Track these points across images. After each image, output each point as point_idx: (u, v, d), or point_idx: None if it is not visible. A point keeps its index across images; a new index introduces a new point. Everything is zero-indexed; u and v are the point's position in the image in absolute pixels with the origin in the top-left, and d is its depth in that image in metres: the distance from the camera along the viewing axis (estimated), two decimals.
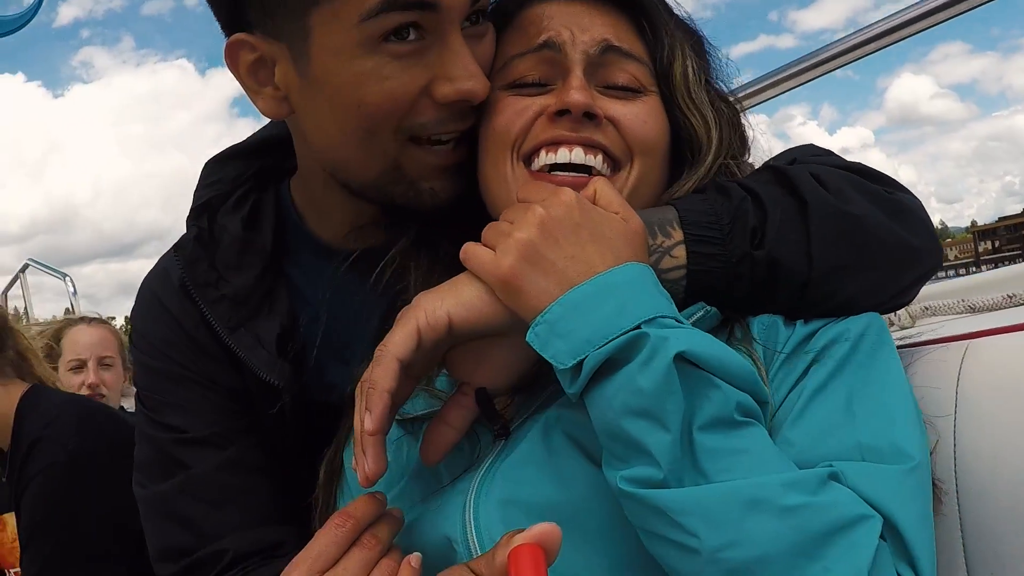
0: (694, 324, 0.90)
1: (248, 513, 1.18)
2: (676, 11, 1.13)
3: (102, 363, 3.27)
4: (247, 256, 1.24)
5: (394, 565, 0.85)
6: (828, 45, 2.17)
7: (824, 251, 0.92)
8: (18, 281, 5.60)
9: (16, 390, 2.21)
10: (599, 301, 0.81)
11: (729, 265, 0.92)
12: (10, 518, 2.20)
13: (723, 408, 0.78)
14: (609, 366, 0.79)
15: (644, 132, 1.03)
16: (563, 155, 1.00)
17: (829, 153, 1.11)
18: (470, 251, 0.90)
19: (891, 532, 0.78)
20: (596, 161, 1.01)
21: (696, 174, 1.04)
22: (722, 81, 1.14)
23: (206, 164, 1.34)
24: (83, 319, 3.45)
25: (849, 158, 1.06)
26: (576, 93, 0.99)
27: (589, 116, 1.00)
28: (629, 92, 1.04)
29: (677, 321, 0.82)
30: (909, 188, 1.04)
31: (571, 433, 0.90)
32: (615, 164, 1.02)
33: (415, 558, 0.86)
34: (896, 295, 0.99)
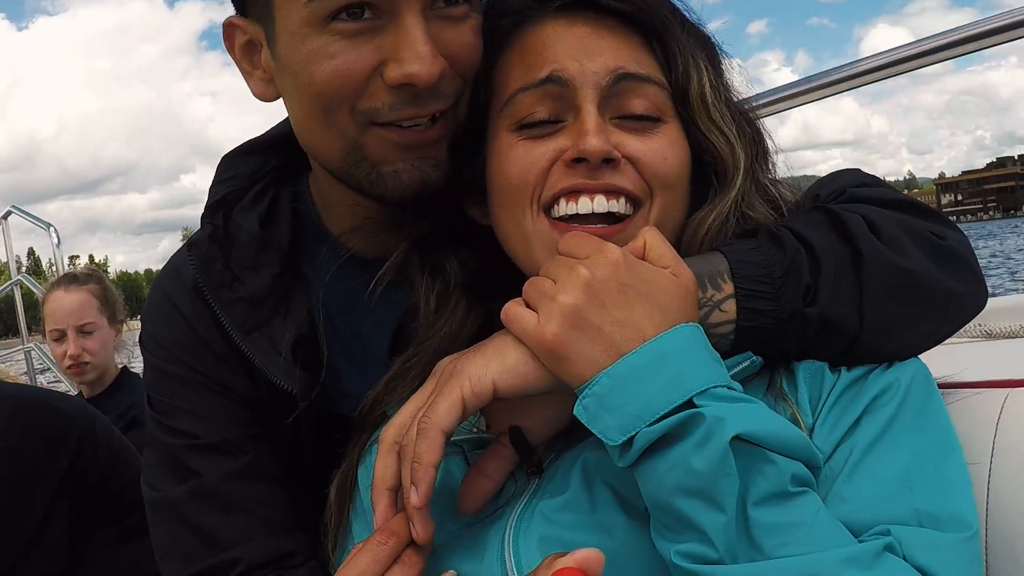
0: (738, 374, 0.88)
1: (260, 523, 1.15)
2: (687, 15, 1.05)
3: (81, 331, 3.19)
4: (264, 255, 1.20)
5: None
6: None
7: (877, 307, 0.90)
8: None
9: None
10: (650, 373, 0.78)
11: (780, 321, 0.89)
12: None
13: (778, 482, 0.76)
14: (662, 442, 0.77)
15: (665, 169, 0.96)
16: (585, 205, 0.94)
17: (877, 181, 1.07)
18: (512, 313, 0.87)
19: None
20: (619, 206, 0.95)
21: (727, 198, 0.99)
22: (735, 91, 1.07)
23: (223, 159, 1.30)
24: (61, 283, 3.36)
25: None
26: (593, 139, 0.92)
27: (607, 161, 0.93)
28: (647, 122, 0.97)
29: (729, 389, 0.79)
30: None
31: (613, 484, 0.87)
32: (636, 203, 0.97)
33: (452, 574, 0.87)
34: (939, 341, 0.97)
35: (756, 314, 0.89)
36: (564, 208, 0.95)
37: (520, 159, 0.97)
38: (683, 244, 0.99)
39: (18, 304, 5.48)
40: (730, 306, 0.89)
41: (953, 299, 0.94)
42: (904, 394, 0.88)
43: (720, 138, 1.00)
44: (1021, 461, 0.94)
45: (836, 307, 0.89)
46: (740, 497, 0.74)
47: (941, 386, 1.03)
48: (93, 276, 3.47)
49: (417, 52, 0.98)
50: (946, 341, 0.96)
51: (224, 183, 1.26)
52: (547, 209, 0.97)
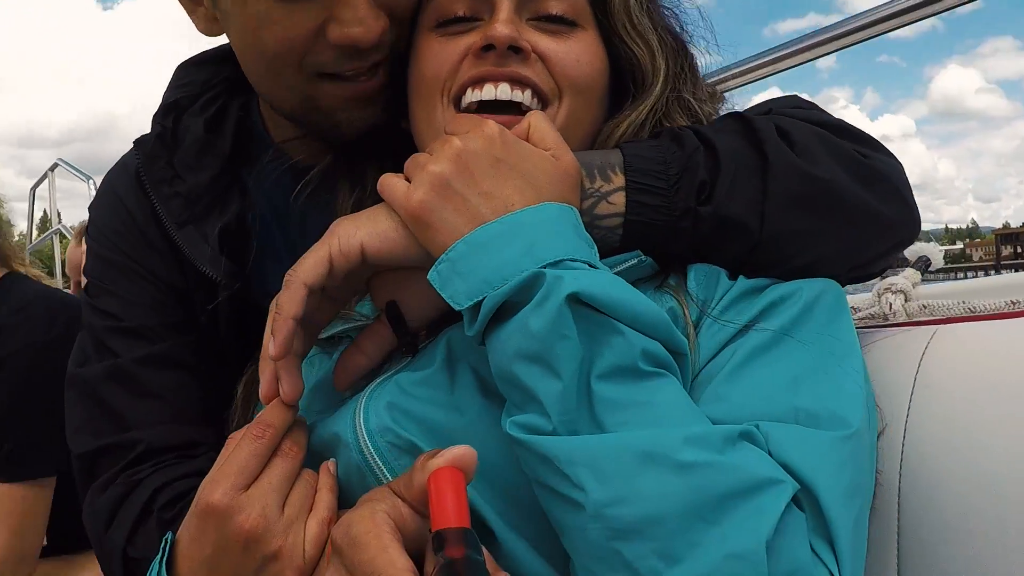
0: (623, 272, 0.84)
1: (169, 409, 1.16)
2: None
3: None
4: (205, 158, 1.23)
5: (314, 473, 0.83)
6: (868, 11, 2.02)
7: (780, 214, 0.84)
8: (46, 180, 5.65)
9: None
10: (506, 241, 0.75)
11: (671, 218, 0.84)
12: None
13: (626, 356, 0.71)
14: (508, 309, 0.73)
15: (576, 70, 0.95)
16: (488, 91, 0.93)
17: (812, 107, 1.01)
18: (386, 182, 0.84)
19: (810, 503, 0.70)
20: (524, 97, 0.93)
21: (642, 105, 0.97)
22: (677, 22, 1.06)
23: (179, 66, 1.34)
24: (78, 236, 3.44)
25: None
26: (501, 26, 0.91)
27: (515, 50, 0.92)
28: (564, 25, 0.96)
29: (590, 266, 0.74)
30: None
31: (474, 366, 0.84)
32: (544, 101, 0.95)
33: (332, 464, 0.84)
34: (858, 266, 0.91)
35: (646, 208, 0.85)
36: (470, 96, 0.94)
37: (435, 55, 0.97)
38: (594, 148, 0.96)
39: (56, 252, 5.69)
40: (619, 198, 0.85)
41: (874, 219, 0.88)
42: (805, 305, 0.82)
43: (640, 45, 0.99)
44: (943, 399, 0.87)
45: (733, 208, 0.84)
46: (582, 367, 0.69)
47: (868, 327, 0.97)
48: None
49: (357, 15, 0.98)
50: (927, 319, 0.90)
51: (177, 88, 1.29)
52: (456, 101, 0.96)
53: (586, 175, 0.86)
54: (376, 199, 0.97)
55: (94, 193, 4.84)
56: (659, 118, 0.97)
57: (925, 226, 0.98)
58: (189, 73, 1.31)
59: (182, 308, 1.22)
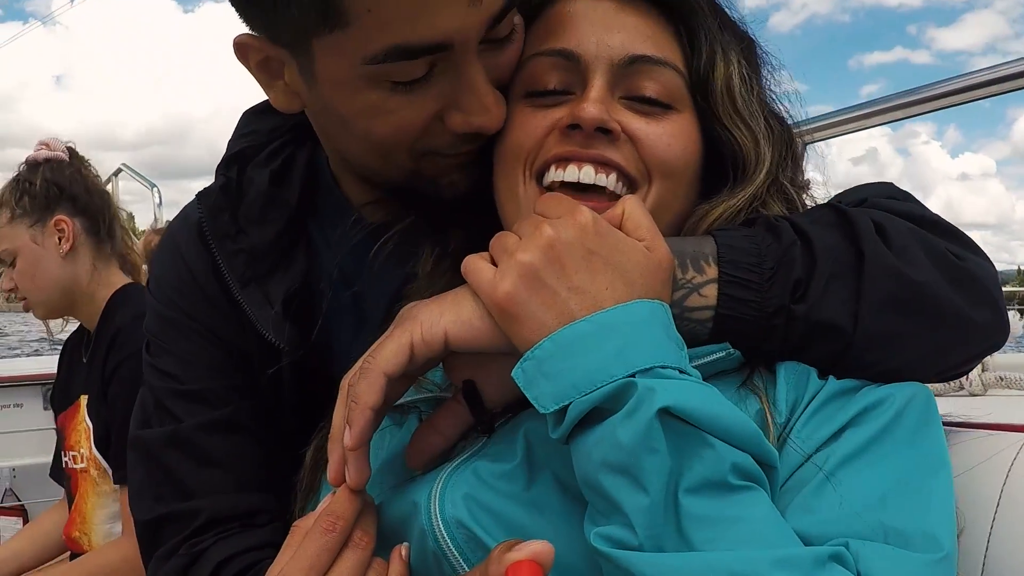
0: (708, 364, 0.82)
1: (231, 477, 1.15)
2: (727, 10, 1.01)
3: None
4: (271, 211, 1.19)
5: (384, 562, 0.81)
6: (968, 74, 2.03)
7: (874, 315, 0.82)
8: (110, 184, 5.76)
9: (116, 280, 2.30)
10: (595, 342, 0.72)
11: (763, 315, 0.82)
12: (83, 400, 2.27)
13: (715, 470, 0.69)
14: (596, 415, 0.72)
15: (667, 153, 0.92)
16: (572, 173, 0.91)
17: (907, 197, 0.99)
18: (471, 266, 0.82)
19: None
20: (609, 181, 0.91)
21: (742, 193, 0.94)
22: (778, 100, 1.03)
23: (244, 114, 1.30)
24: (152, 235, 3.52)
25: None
26: (590, 106, 0.89)
27: (604, 131, 0.90)
28: (658, 107, 0.94)
29: (681, 372, 0.73)
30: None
31: (555, 466, 0.82)
32: (631, 183, 0.93)
33: (404, 549, 0.82)
34: (945, 371, 0.89)
35: (738, 303, 0.82)
36: (553, 175, 0.92)
37: (521, 125, 0.96)
38: (684, 232, 0.95)
39: None
40: (710, 291, 0.83)
41: (966, 324, 0.85)
42: (897, 412, 0.79)
43: (744, 131, 0.96)
44: None
45: (828, 308, 0.82)
46: (670, 481, 0.68)
47: (953, 424, 0.97)
48: None
49: (482, 104, 0.95)
50: (1004, 391, 0.90)
51: (243, 138, 1.26)
52: (539, 177, 0.95)
53: (678, 264, 0.83)
54: (458, 259, 0.97)
55: (158, 201, 4.91)
56: (756, 208, 0.94)
57: (998, 266, 0.96)
58: (252, 122, 1.27)
59: (243, 369, 1.18)
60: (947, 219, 0.94)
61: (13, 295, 2.31)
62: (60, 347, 2.57)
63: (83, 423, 2.24)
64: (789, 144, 1.01)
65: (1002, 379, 1.56)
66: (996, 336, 0.90)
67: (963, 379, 1.46)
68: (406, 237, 1.11)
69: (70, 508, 2.31)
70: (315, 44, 0.93)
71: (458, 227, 1.07)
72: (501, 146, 0.99)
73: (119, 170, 5.70)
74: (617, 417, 0.70)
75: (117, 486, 2.15)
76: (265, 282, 1.16)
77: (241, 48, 1.04)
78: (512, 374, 0.76)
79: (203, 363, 1.18)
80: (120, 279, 2.32)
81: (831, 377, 0.84)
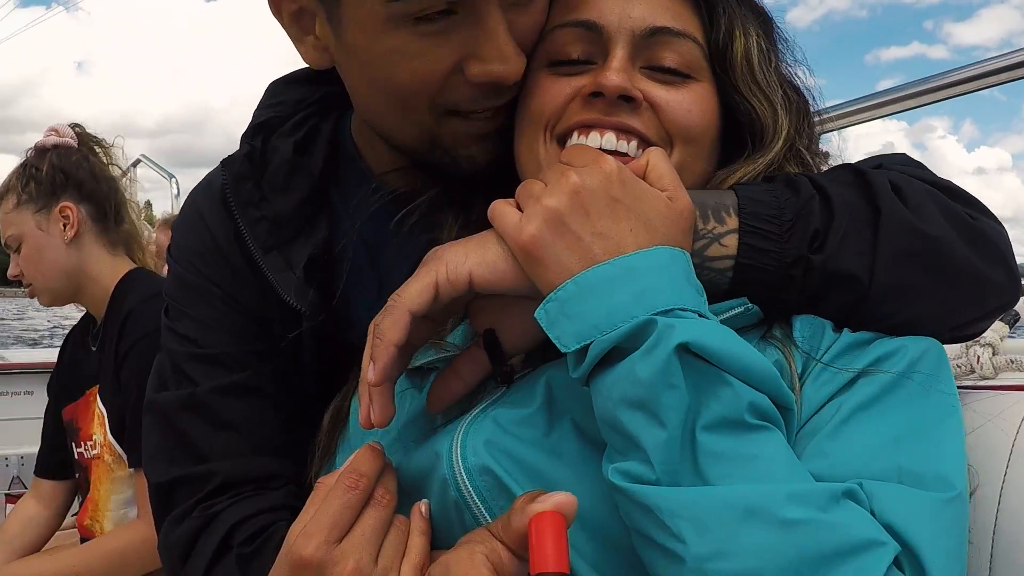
0: (729, 320, 0.84)
1: (247, 440, 1.15)
2: None
3: None
4: (294, 179, 1.21)
5: (405, 519, 0.83)
6: (979, 62, 2.01)
7: (889, 268, 0.84)
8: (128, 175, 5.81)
9: (122, 266, 2.31)
10: (617, 285, 0.74)
11: (782, 265, 0.84)
12: (95, 389, 2.28)
13: (733, 408, 0.70)
14: (615, 354, 0.73)
15: (687, 119, 0.94)
16: (594, 139, 0.92)
17: (920, 166, 1.00)
18: (497, 210, 0.83)
19: (913, 565, 0.69)
20: (630, 147, 0.93)
21: (762, 160, 0.96)
22: (795, 72, 1.05)
23: (270, 85, 1.31)
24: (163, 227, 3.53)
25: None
26: (612, 74, 0.91)
27: (626, 99, 0.92)
28: (677, 76, 0.96)
29: (700, 315, 0.75)
30: None
31: (574, 413, 0.84)
32: (651, 145, 0.94)
33: (424, 505, 0.84)
34: (959, 327, 0.90)
35: (758, 252, 0.84)
36: (575, 141, 0.94)
37: (544, 92, 0.98)
38: None
39: None
40: (731, 240, 0.85)
41: (979, 281, 0.87)
42: (910, 363, 0.81)
43: (763, 101, 0.98)
44: None
45: (844, 259, 0.83)
46: (688, 417, 0.69)
47: (965, 387, 0.96)
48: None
49: (501, 52, 0.96)
50: (1015, 374, 0.89)
51: (268, 108, 1.27)
52: (561, 141, 0.96)
53: (699, 215, 0.85)
54: (482, 229, 0.99)
55: (176, 192, 4.95)
56: (774, 170, 0.96)
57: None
58: (280, 92, 1.29)
59: (262, 335, 1.19)
60: None
61: (19, 281, 2.32)
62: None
63: (97, 411, 2.25)
64: (806, 113, 1.03)
65: (1012, 362, 1.55)
66: (1008, 295, 0.91)
67: (974, 362, 1.44)
68: (429, 208, 1.12)
69: (83, 498, 2.32)
70: None
71: (481, 199, 1.06)
72: (523, 112, 1.01)
73: (138, 160, 5.76)
74: (637, 353, 0.71)
75: (132, 470, 2.15)
76: (287, 248, 1.17)
77: (275, 0, 1.07)
78: (535, 315, 0.78)
79: (222, 327, 1.19)
80: (127, 265, 2.33)
81: (845, 330, 0.85)
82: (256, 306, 1.19)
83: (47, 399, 2.53)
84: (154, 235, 3.53)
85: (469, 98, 1.01)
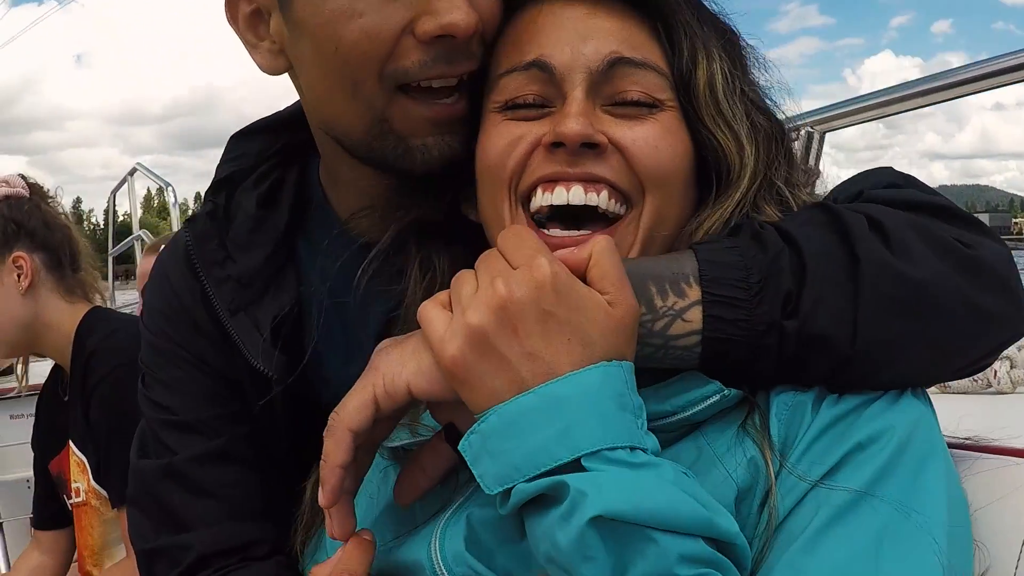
0: (705, 409, 0.78)
1: (226, 507, 1.13)
2: (704, 3, 0.95)
3: None
4: (258, 235, 1.17)
5: None
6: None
7: (873, 322, 0.76)
8: (125, 185, 5.78)
9: (81, 310, 2.26)
10: (541, 420, 0.68)
11: (754, 335, 0.76)
12: (71, 442, 2.25)
13: (660, 565, 0.65)
14: (538, 502, 0.68)
15: (655, 160, 0.86)
16: (560, 195, 0.85)
17: (908, 181, 0.92)
18: (424, 314, 0.77)
19: None
20: (600, 199, 0.85)
21: (723, 206, 0.88)
22: (766, 95, 0.95)
23: (231, 138, 1.27)
24: (151, 250, 3.49)
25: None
26: (572, 121, 0.83)
27: (590, 146, 0.84)
28: (642, 107, 0.88)
29: (632, 450, 0.68)
30: None
31: None
32: (625, 199, 0.86)
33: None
34: (963, 368, 0.82)
35: (725, 324, 0.77)
36: (540, 199, 0.87)
37: (501, 138, 0.90)
38: (674, 249, 0.88)
39: (138, 257, 5.82)
40: (695, 314, 0.77)
41: (978, 318, 0.79)
42: (898, 447, 0.73)
43: (726, 133, 0.89)
44: None
45: (822, 320, 0.76)
46: None
47: (976, 449, 0.88)
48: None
49: (453, 2, 0.93)
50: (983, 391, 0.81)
51: (230, 162, 1.23)
52: (525, 201, 0.89)
53: (657, 292, 0.78)
54: (446, 285, 0.92)
55: (173, 200, 4.89)
56: (746, 212, 0.88)
57: None
58: (240, 145, 1.25)
59: (234, 397, 1.17)
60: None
61: None
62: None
63: (75, 459, 2.22)
64: (780, 140, 0.94)
65: None
66: (1012, 327, 0.84)
67: (990, 376, 1.36)
68: (392, 256, 1.06)
69: (77, 547, 2.30)
70: None
71: (443, 246, 1.02)
72: (482, 163, 0.93)
73: (134, 169, 5.74)
74: (555, 516, 0.67)
75: (116, 510, 2.11)
76: (254, 308, 1.14)
77: (230, 5, 1.06)
78: (459, 447, 0.73)
79: (194, 393, 1.17)
80: (83, 307, 2.28)
81: (825, 404, 0.78)
82: (226, 368, 1.16)
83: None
84: (139, 265, 3.50)
85: (419, 63, 0.96)
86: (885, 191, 0.88)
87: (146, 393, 1.20)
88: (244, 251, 1.16)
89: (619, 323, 0.73)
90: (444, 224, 1.04)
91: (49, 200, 2.36)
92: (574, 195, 0.85)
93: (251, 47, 1.07)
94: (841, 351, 0.76)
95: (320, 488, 0.79)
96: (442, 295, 0.78)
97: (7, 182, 2.29)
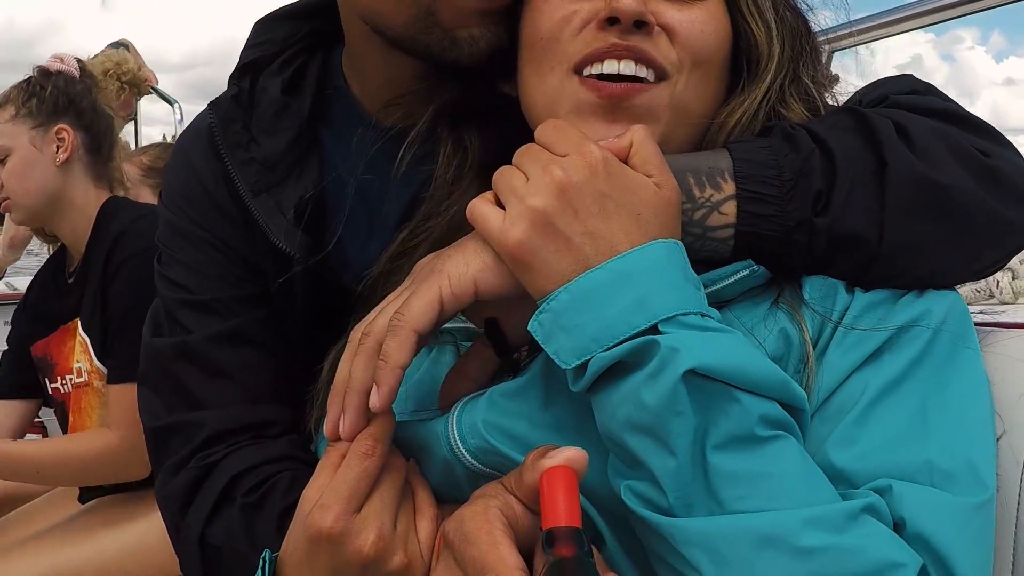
0: (734, 284, 0.81)
1: (241, 388, 1.14)
2: None
3: None
4: (282, 120, 1.16)
5: (422, 480, 0.84)
6: None
7: (899, 224, 0.79)
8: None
9: (103, 196, 2.31)
10: (613, 292, 0.71)
11: (785, 230, 0.79)
12: (77, 323, 2.28)
13: (743, 424, 0.68)
14: (617, 369, 0.70)
15: (700, 41, 0.88)
16: (611, 66, 0.86)
17: (929, 89, 0.94)
18: (476, 211, 0.79)
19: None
20: (648, 74, 0.87)
21: (754, 93, 0.91)
22: None
23: (256, 23, 1.26)
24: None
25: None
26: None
27: (640, 25, 0.86)
28: None
29: (703, 316, 0.71)
30: None
31: (576, 397, 0.79)
32: (663, 75, 0.88)
33: (412, 462, 0.84)
34: (978, 272, 0.85)
35: (758, 219, 0.80)
36: (590, 70, 0.88)
37: (553, 13, 0.91)
38: (706, 141, 0.91)
39: None
40: (730, 208, 0.81)
41: (996, 224, 0.82)
42: (936, 330, 0.77)
43: (758, 22, 0.92)
44: None
45: (851, 219, 0.79)
46: (698, 439, 0.67)
47: (987, 324, 0.93)
48: None
49: None
50: (986, 301, 0.86)
51: (255, 47, 1.22)
52: (577, 71, 0.90)
53: (695, 183, 0.81)
54: (481, 166, 0.96)
55: (179, 117, 4.85)
56: (773, 105, 0.91)
57: None
58: (266, 30, 1.24)
59: (254, 280, 1.17)
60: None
61: None
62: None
63: (79, 340, 2.25)
64: (805, 36, 0.97)
65: None
66: None
67: (993, 286, 1.40)
68: (423, 141, 1.07)
69: (65, 432, 2.32)
70: None
71: (475, 128, 1.03)
72: (530, 37, 0.93)
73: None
74: (640, 376, 0.68)
75: (109, 384, 2.15)
76: (277, 191, 1.14)
77: None
78: (528, 327, 0.74)
79: (213, 273, 1.17)
80: (107, 195, 2.32)
81: (857, 290, 0.81)
82: (246, 250, 1.16)
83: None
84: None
85: None
86: (908, 97, 0.91)
87: (163, 272, 1.20)
88: (268, 135, 1.16)
89: (668, 202, 0.77)
90: (477, 104, 1.05)
91: (98, 88, 2.42)
92: (625, 67, 0.86)
93: None
94: (869, 250, 0.79)
95: (373, 390, 0.77)
96: (488, 194, 0.81)
97: (62, 59, 2.35)
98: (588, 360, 0.70)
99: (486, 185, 0.95)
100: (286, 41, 1.21)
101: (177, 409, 1.13)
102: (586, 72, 0.88)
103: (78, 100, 2.29)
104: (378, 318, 0.81)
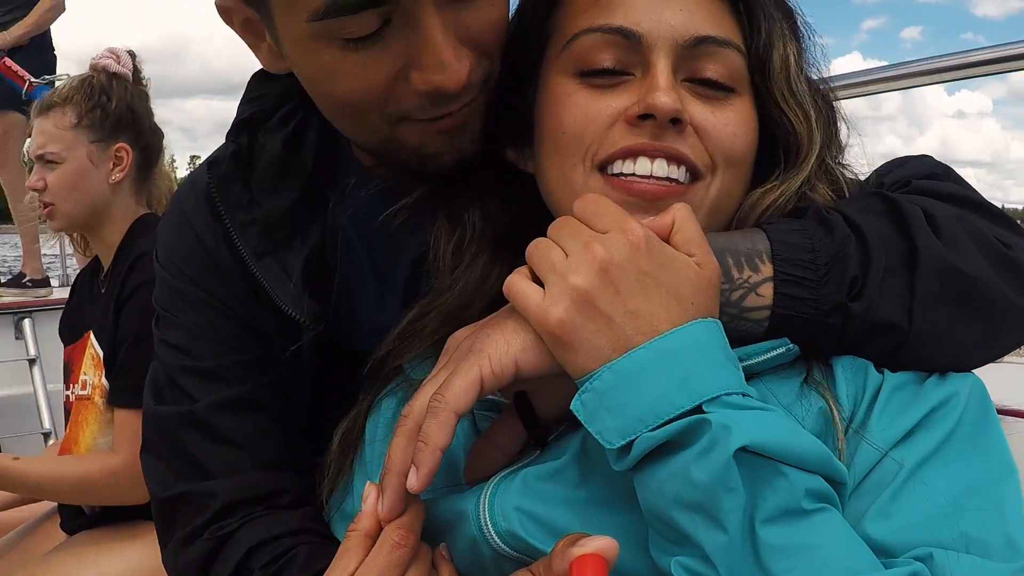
0: (768, 360, 0.81)
1: (250, 457, 1.11)
2: None
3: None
4: (284, 179, 1.12)
5: (444, 566, 0.83)
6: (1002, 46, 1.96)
7: (928, 311, 0.80)
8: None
9: (139, 213, 2.26)
10: (657, 372, 0.70)
11: (820, 313, 0.80)
12: (90, 334, 2.21)
13: (790, 498, 0.68)
14: (663, 449, 0.70)
15: (732, 144, 0.87)
16: (643, 166, 0.85)
17: (948, 173, 0.96)
18: (515, 288, 0.78)
19: None
20: (680, 173, 0.86)
21: (796, 178, 0.90)
22: (815, 68, 0.97)
23: (252, 77, 1.21)
24: None
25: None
26: (664, 96, 0.83)
27: (674, 122, 0.84)
28: (720, 91, 0.88)
29: (744, 396, 0.71)
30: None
31: (609, 473, 0.78)
32: (696, 175, 0.87)
33: (444, 548, 0.84)
34: (995, 356, 0.87)
35: (795, 302, 0.80)
36: (621, 167, 0.86)
37: (579, 109, 0.88)
38: (736, 220, 0.91)
39: None
40: (767, 290, 0.80)
41: (1017, 315, 0.84)
42: (963, 409, 0.78)
43: (799, 115, 0.91)
44: None
45: (883, 306, 0.80)
46: (747, 514, 0.67)
47: (1007, 412, 0.93)
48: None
49: (439, 60, 0.88)
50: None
51: (251, 102, 1.18)
52: (601, 168, 0.87)
53: (733, 264, 0.81)
54: (482, 240, 0.96)
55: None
56: (805, 192, 0.91)
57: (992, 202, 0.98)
58: (260, 86, 1.19)
59: (257, 343, 1.13)
60: (942, 158, 0.95)
61: (35, 195, 2.21)
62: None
63: (92, 352, 2.18)
64: (833, 122, 0.97)
65: None
66: None
67: None
68: (420, 205, 1.05)
69: (65, 438, 2.27)
70: (271, 1, 0.90)
71: (476, 204, 1.00)
72: (552, 128, 0.90)
73: None
74: (690, 455, 0.68)
75: (112, 407, 2.09)
76: (282, 254, 1.10)
77: (224, 11, 1.01)
78: (571, 407, 0.73)
79: (216, 337, 1.13)
80: (143, 212, 2.27)
81: (886, 371, 0.82)
82: (250, 314, 1.12)
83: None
84: None
85: (418, 106, 0.93)
86: (929, 182, 0.92)
87: (162, 336, 1.16)
88: (270, 195, 1.11)
89: (708, 283, 0.76)
90: (476, 176, 1.02)
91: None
92: (658, 167, 0.85)
93: (252, 47, 1.02)
94: (900, 336, 0.80)
95: (413, 470, 0.76)
96: (523, 269, 0.79)
97: (116, 56, 2.23)
98: (633, 440, 0.70)
99: (497, 257, 0.96)
100: (282, 96, 1.17)
101: (186, 478, 1.10)
102: (611, 171, 0.86)
103: (140, 118, 2.23)
104: (417, 399, 0.80)
